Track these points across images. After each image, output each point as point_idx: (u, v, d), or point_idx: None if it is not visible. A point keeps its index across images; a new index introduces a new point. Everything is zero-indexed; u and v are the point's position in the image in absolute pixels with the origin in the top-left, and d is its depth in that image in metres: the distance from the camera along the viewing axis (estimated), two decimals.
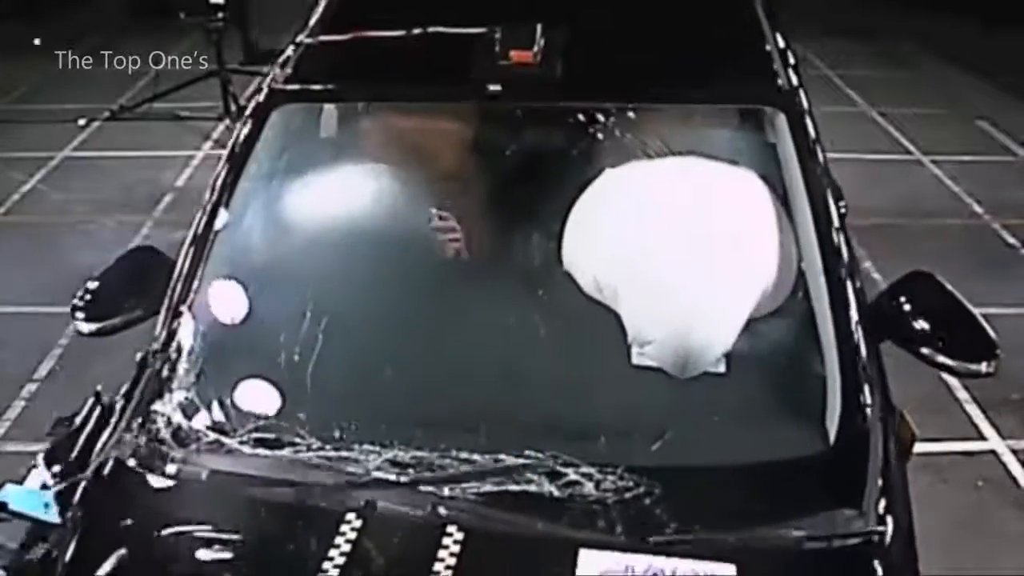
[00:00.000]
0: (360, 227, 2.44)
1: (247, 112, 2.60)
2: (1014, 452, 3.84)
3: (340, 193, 2.53)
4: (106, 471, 1.98)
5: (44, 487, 2.03)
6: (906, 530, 1.89)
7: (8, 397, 4.08)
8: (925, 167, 6.50)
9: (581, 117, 2.44)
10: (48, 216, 5.75)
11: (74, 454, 2.07)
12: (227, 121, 6.84)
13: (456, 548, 1.76)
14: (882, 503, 1.85)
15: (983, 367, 2.15)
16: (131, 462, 1.98)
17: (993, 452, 3.86)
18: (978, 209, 5.86)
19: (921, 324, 2.23)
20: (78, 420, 2.17)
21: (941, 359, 2.17)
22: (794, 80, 2.55)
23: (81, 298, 2.37)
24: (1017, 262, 5.30)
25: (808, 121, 2.43)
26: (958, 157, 6.56)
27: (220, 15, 6.77)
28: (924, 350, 2.18)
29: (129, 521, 1.93)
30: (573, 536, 1.78)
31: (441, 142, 2.62)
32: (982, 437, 3.94)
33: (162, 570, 1.84)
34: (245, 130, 2.52)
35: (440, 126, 2.64)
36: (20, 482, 2.07)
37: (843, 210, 2.46)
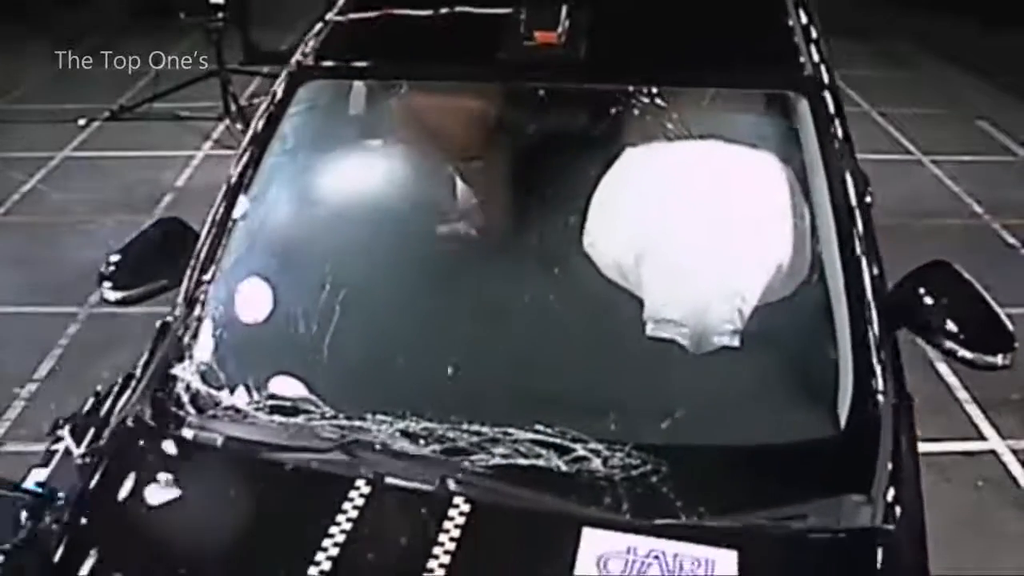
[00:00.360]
0: (381, 203, 2.47)
1: (274, 87, 2.61)
2: (1014, 452, 3.84)
3: (364, 169, 2.56)
4: (125, 433, 2.01)
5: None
6: (915, 518, 1.88)
7: (8, 397, 4.07)
8: (925, 167, 6.50)
9: (604, 98, 2.47)
10: (48, 216, 5.74)
11: (90, 432, 2.09)
12: (227, 121, 6.83)
13: (461, 519, 1.78)
14: (891, 490, 1.83)
15: (999, 359, 2.12)
16: (149, 424, 2.01)
17: (993, 452, 3.86)
18: (978, 209, 5.86)
19: (938, 313, 2.19)
20: (87, 406, 2.18)
21: (957, 349, 2.13)
22: (816, 59, 2.52)
23: (108, 266, 2.39)
24: (1017, 262, 5.29)
25: (831, 105, 2.40)
26: (958, 157, 6.55)
27: (220, 15, 6.75)
28: (939, 339, 2.15)
29: (143, 483, 1.94)
30: (577, 513, 1.79)
31: (466, 121, 2.65)
32: (982, 437, 3.93)
33: (170, 534, 1.86)
34: (272, 105, 2.54)
35: (465, 105, 2.67)
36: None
37: (868, 198, 2.45)
